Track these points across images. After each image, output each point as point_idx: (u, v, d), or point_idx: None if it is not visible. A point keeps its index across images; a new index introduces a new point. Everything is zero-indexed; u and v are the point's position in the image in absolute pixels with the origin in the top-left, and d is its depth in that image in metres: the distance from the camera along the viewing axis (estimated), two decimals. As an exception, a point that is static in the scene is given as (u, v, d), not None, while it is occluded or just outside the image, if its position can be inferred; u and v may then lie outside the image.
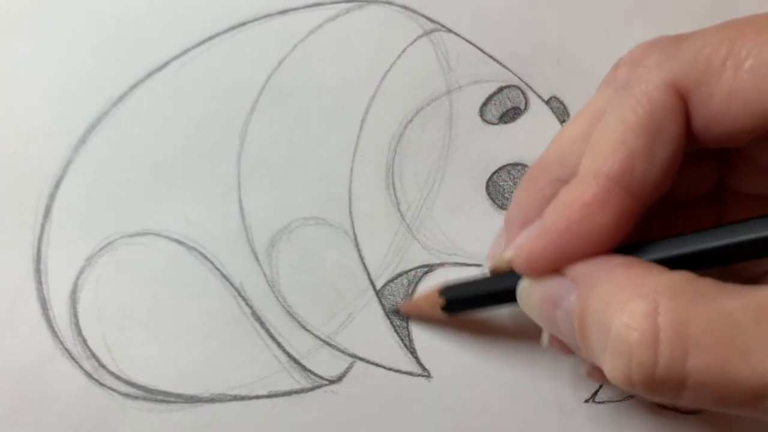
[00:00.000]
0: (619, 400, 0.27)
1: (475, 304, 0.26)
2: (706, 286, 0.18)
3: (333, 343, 0.27)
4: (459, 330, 0.27)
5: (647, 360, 0.18)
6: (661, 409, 0.27)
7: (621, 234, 0.20)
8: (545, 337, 0.24)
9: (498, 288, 0.24)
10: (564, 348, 0.23)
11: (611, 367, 0.18)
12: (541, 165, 0.24)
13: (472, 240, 0.28)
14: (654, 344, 0.17)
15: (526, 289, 0.22)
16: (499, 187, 0.29)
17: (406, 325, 0.27)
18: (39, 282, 0.27)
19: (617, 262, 0.20)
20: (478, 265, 0.28)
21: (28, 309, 0.26)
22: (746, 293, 0.18)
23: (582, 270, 0.20)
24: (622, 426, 0.27)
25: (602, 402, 0.27)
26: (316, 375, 0.27)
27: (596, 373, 0.25)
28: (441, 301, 0.26)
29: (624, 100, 0.21)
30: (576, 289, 0.20)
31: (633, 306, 0.18)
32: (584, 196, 0.20)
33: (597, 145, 0.21)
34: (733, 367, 0.17)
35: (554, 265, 0.21)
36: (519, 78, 0.30)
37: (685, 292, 0.18)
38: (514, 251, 0.22)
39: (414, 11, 0.31)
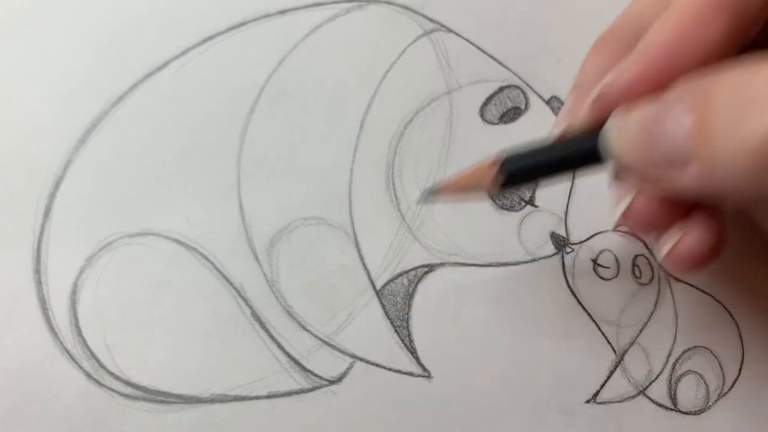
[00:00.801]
0: (620, 401, 0.27)
1: (538, 174, 0.23)
2: None
3: (333, 343, 0.27)
4: (459, 330, 0.27)
5: None
6: (661, 409, 0.27)
7: (724, 55, 0.20)
8: (620, 209, 0.22)
9: (568, 151, 0.22)
10: (642, 220, 0.22)
11: (754, 128, 0.17)
12: (611, 32, 0.23)
13: (472, 240, 0.28)
14: None
15: (619, 120, 0.21)
16: (500, 187, 0.29)
17: (406, 325, 0.27)
18: (39, 282, 0.27)
19: (724, 62, 0.19)
20: (479, 265, 0.28)
21: (28, 309, 0.26)
22: None
23: (695, 79, 0.19)
24: (623, 426, 0.27)
25: (603, 402, 0.27)
26: (316, 375, 0.27)
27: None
28: (499, 175, 0.23)
29: None
30: (687, 98, 0.19)
31: None
32: (690, 12, 0.19)
33: None
34: None
35: (657, 85, 0.20)
36: (519, 78, 0.30)
37: None
38: (611, 77, 0.21)
39: (414, 11, 0.31)
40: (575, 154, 0.22)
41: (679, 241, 0.22)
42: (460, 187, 0.24)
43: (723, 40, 0.19)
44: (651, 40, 0.20)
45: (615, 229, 0.24)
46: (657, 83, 0.20)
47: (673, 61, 0.20)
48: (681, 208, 0.22)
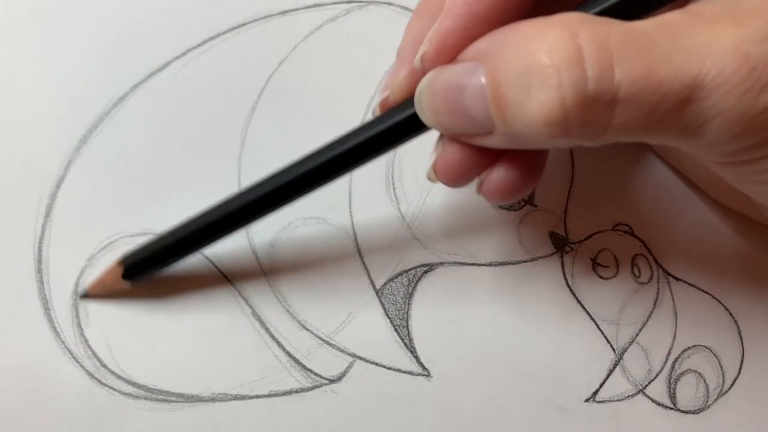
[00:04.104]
0: (619, 400, 0.27)
1: (160, 259, 0.26)
2: (607, 18, 0.19)
3: (333, 342, 0.27)
4: (459, 330, 0.27)
5: (577, 76, 0.17)
6: (661, 408, 0.27)
7: (523, 2, 0.21)
8: (430, 170, 0.23)
9: (184, 233, 0.25)
10: (453, 169, 0.22)
11: (541, 103, 0.18)
12: None
13: (471, 239, 0.28)
14: (580, 62, 0.17)
15: (426, 84, 0.21)
16: (499, 186, 0.29)
17: (405, 324, 0.27)
18: (40, 282, 0.27)
19: (518, 22, 0.20)
20: (478, 264, 0.28)
21: (30, 309, 0.26)
22: (651, 19, 0.19)
23: (484, 42, 0.20)
24: (622, 425, 0.27)
25: (602, 401, 0.27)
26: (316, 374, 0.27)
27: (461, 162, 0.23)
28: (120, 269, 0.25)
29: None
30: (481, 66, 0.20)
31: (550, 35, 0.18)
32: None
33: None
34: (658, 72, 0.17)
35: (463, 42, 0.21)
36: (519, 78, 0.30)
37: (595, 20, 0.18)
38: (426, 44, 0.21)
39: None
40: (398, 123, 0.23)
41: (488, 175, 0.23)
42: (101, 287, 0.26)
43: None
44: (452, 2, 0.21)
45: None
46: (469, 36, 0.21)
47: (478, 8, 0.20)
48: (491, 154, 0.22)
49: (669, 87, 0.17)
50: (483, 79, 0.19)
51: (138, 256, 0.26)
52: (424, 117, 0.22)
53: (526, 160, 0.22)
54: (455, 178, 0.23)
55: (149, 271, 0.26)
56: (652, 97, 0.18)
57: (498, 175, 0.22)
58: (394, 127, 0.23)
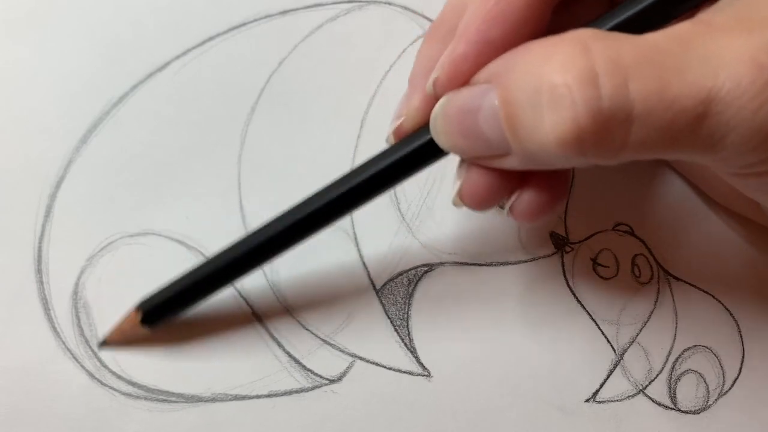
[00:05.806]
0: (619, 400, 0.27)
1: (178, 302, 0.25)
2: (618, 33, 0.18)
3: (333, 342, 0.27)
4: (459, 330, 0.27)
5: (590, 95, 0.17)
6: (661, 408, 0.27)
7: (535, 25, 0.21)
8: (455, 196, 0.23)
9: (198, 276, 0.25)
10: (478, 194, 0.22)
11: (554, 124, 0.18)
12: (440, 20, 0.24)
13: (472, 239, 0.28)
14: (593, 79, 0.17)
15: (442, 108, 0.21)
16: (499, 186, 0.29)
17: (406, 324, 0.27)
18: (40, 282, 0.27)
19: (528, 42, 0.19)
20: (479, 265, 0.28)
21: (30, 309, 0.26)
22: (662, 31, 0.18)
23: (496, 63, 0.20)
24: (622, 425, 0.27)
25: (603, 401, 0.27)
26: (316, 374, 0.27)
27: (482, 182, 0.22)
28: (139, 314, 0.25)
29: None
30: (494, 87, 0.19)
31: (561, 53, 0.18)
32: None
33: None
34: (672, 86, 0.17)
35: (476, 67, 0.21)
36: (519, 78, 0.30)
37: (607, 35, 0.18)
38: (439, 70, 0.21)
39: (414, 12, 0.31)
40: (415, 150, 0.22)
41: (516, 199, 0.23)
42: (121, 335, 0.26)
43: (533, 11, 0.20)
44: (470, 15, 0.21)
45: (500, 212, 0.23)
46: (482, 61, 0.21)
47: (491, 34, 0.20)
48: (515, 176, 0.22)
49: (684, 102, 0.17)
50: (496, 101, 0.19)
51: (155, 301, 0.25)
52: (440, 141, 0.22)
53: (553, 180, 0.22)
54: (482, 203, 0.22)
55: (168, 315, 0.26)
56: (667, 113, 0.17)
57: (527, 198, 0.22)
58: (412, 153, 0.22)
